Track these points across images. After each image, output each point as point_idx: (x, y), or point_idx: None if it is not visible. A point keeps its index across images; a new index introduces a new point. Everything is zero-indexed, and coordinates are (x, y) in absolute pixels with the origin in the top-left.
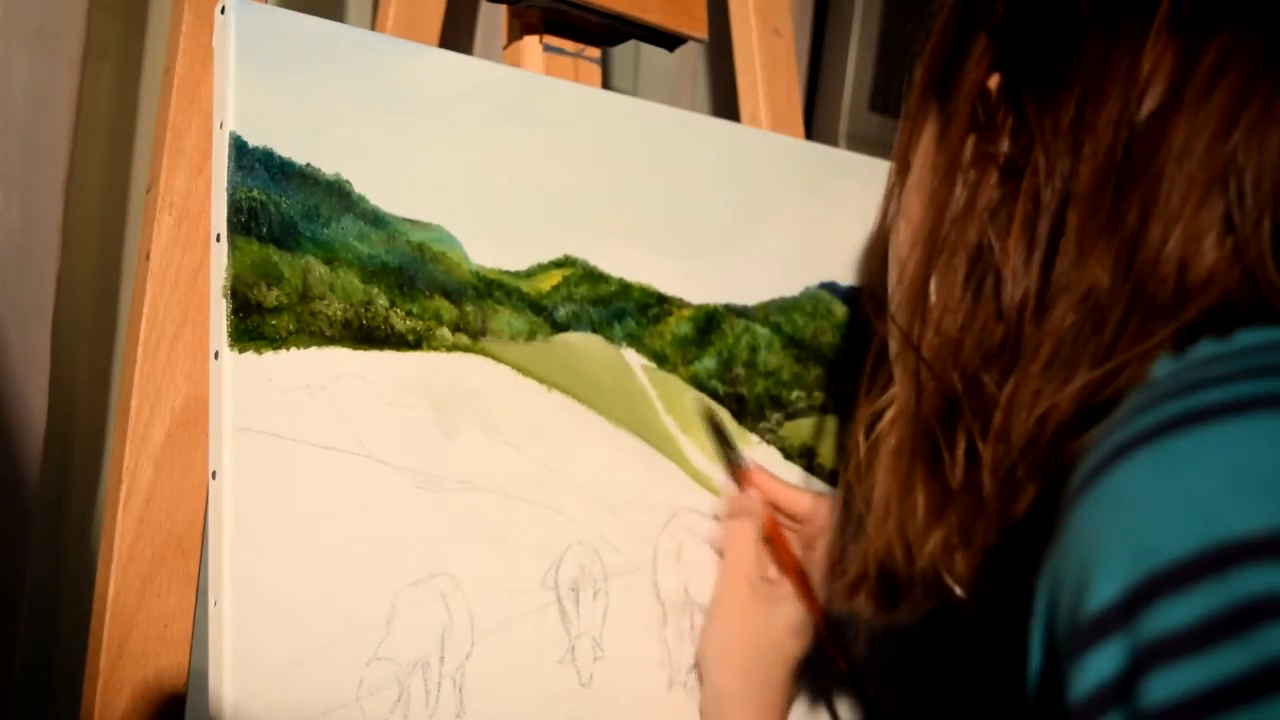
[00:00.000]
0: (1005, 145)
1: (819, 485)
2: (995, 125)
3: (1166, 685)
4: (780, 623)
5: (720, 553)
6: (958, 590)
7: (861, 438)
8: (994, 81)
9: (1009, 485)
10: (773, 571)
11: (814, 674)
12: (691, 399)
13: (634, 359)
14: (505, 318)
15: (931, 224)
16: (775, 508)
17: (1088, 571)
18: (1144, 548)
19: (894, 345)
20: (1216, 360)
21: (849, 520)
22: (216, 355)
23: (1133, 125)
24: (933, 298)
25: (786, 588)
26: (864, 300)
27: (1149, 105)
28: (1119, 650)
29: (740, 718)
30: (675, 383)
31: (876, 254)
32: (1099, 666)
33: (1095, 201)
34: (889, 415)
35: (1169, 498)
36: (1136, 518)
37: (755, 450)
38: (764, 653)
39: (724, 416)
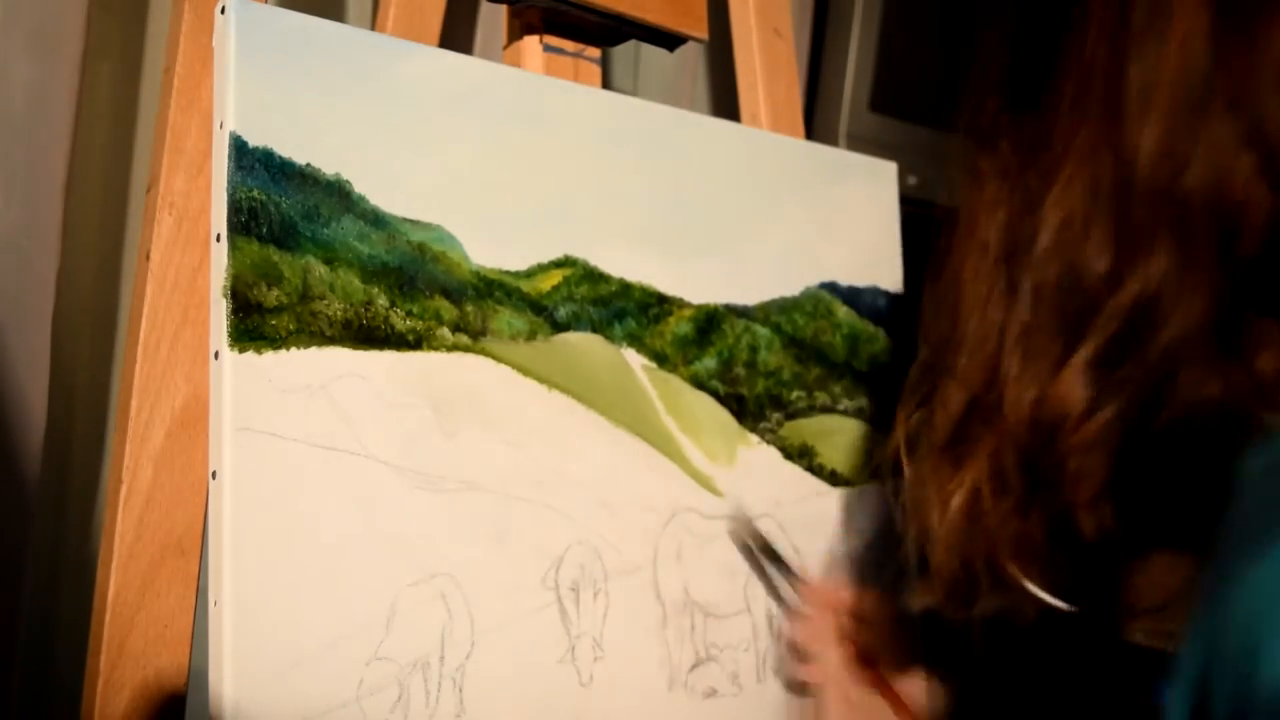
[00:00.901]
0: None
1: (820, 485)
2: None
3: None
4: None
5: (802, 662)
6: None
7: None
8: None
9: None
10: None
11: None
12: (733, 526)
13: (634, 359)
14: (505, 318)
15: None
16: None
17: (1263, 642)
18: None
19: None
20: None
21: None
22: (216, 355)
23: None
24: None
25: (879, 702)
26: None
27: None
28: None
29: None
30: (675, 383)
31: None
32: None
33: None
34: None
35: None
36: None
37: (755, 450)
38: None
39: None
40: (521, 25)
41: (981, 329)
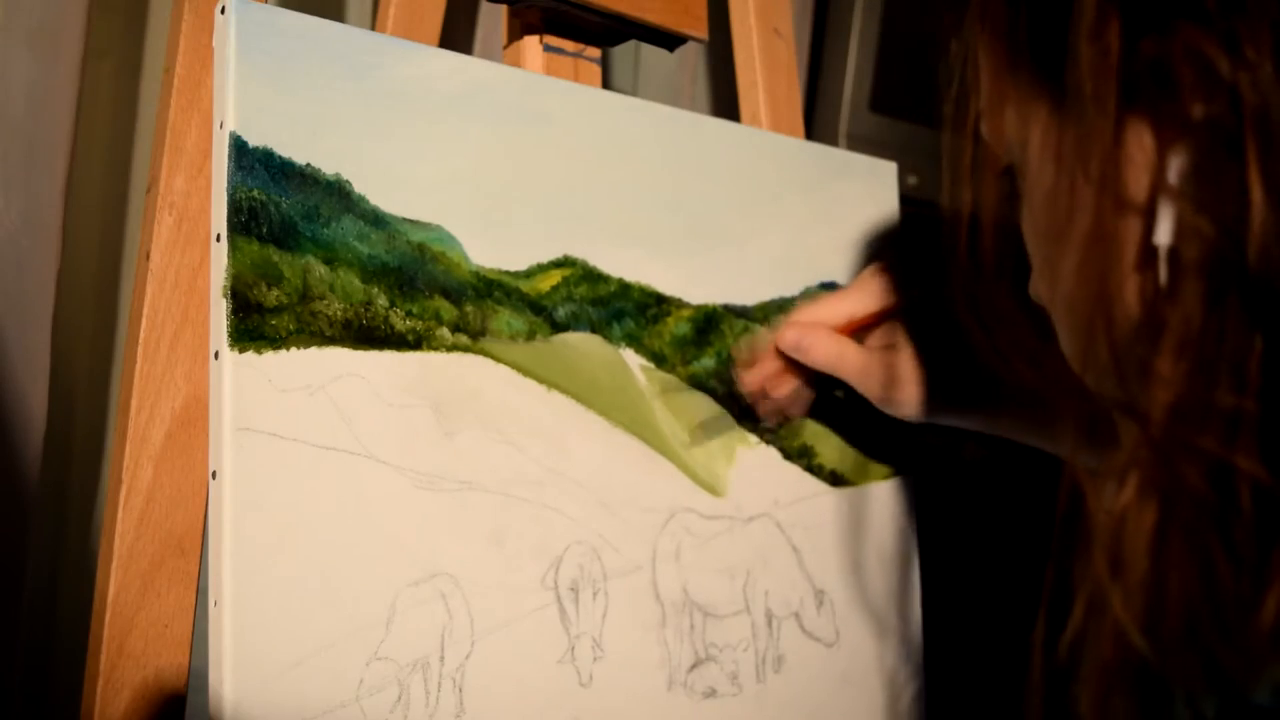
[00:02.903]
0: (1197, 110)
1: (819, 485)
2: (1171, 90)
3: None
4: None
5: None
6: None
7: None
8: (1150, 46)
9: None
10: None
11: None
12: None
13: (633, 359)
14: (505, 318)
15: (1113, 241)
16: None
17: None
18: None
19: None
20: None
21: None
22: (216, 355)
23: None
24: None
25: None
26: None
27: None
28: None
29: None
30: (674, 383)
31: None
32: None
33: None
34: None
35: None
36: None
37: (754, 450)
38: None
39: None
40: (521, 25)
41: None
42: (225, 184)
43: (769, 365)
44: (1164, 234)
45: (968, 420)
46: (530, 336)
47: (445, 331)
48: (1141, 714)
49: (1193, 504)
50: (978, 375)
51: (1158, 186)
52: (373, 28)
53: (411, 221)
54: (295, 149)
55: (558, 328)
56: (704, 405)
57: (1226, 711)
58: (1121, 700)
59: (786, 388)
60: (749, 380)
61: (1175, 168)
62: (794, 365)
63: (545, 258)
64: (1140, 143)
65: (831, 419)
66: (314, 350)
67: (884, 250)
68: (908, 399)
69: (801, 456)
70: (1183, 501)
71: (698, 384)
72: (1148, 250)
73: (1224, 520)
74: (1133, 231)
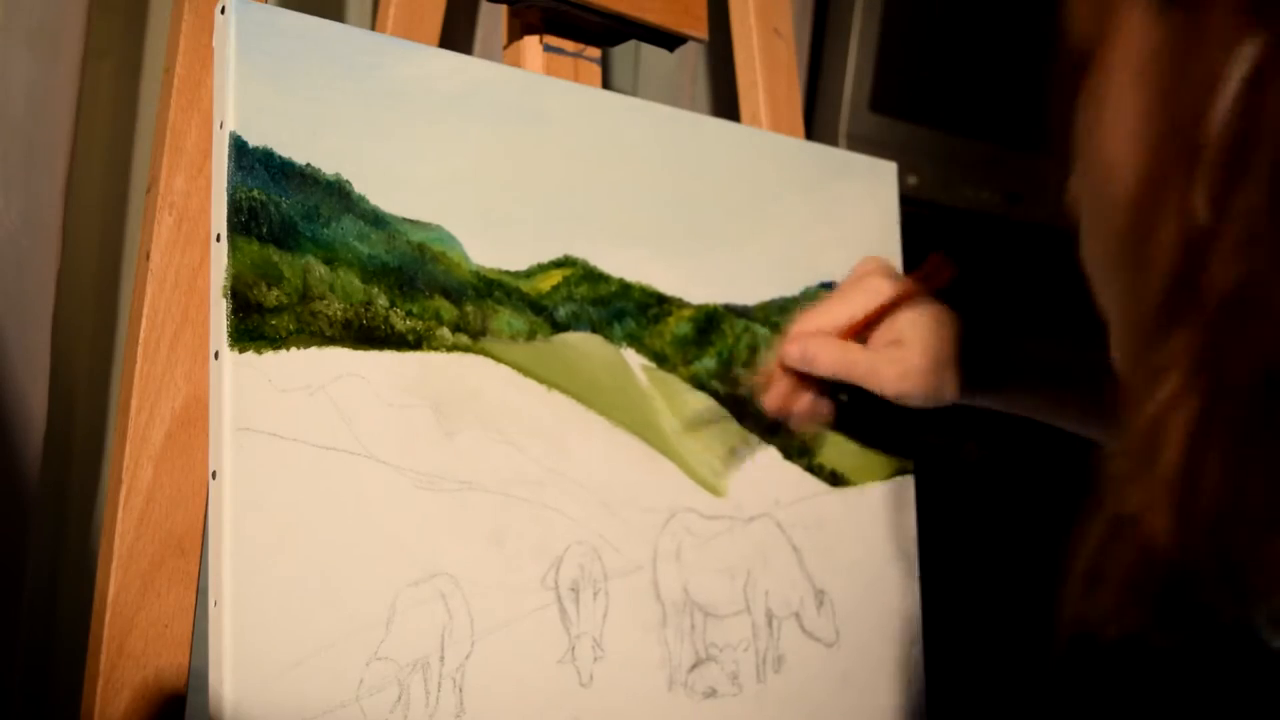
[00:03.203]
0: None
1: (820, 485)
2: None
3: None
4: None
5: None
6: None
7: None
8: None
9: None
10: None
11: None
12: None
13: (634, 359)
14: (505, 318)
15: (1188, 134)
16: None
17: None
18: None
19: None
20: None
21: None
22: (216, 355)
23: None
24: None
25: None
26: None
27: None
28: None
29: None
30: (675, 383)
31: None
32: None
33: None
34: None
35: None
36: None
37: (755, 450)
38: None
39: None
40: (521, 25)
41: None
42: (225, 184)
43: (782, 384)
44: (1235, 129)
45: (984, 400)
46: (531, 336)
47: (445, 331)
48: (1158, 625)
49: (1234, 403)
50: (989, 356)
51: (1228, 80)
52: (373, 28)
53: (411, 221)
54: (295, 149)
55: (558, 328)
56: (705, 405)
57: (1237, 634)
58: (1139, 612)
59: (804, 401)
60: (769, 404)
61: (1256, 63)
62: (804, 377)
63: (545, 257)
64: (1224, 39)
65: (832, 420)
66: (314, 350)
67: (879, 250)
68: (923, 389)
69: (802, 456)
70: (1225, 398)
71: (699, 384)
72: (1221, 142)
73: (1264, 427)
74: (1207, 124)
